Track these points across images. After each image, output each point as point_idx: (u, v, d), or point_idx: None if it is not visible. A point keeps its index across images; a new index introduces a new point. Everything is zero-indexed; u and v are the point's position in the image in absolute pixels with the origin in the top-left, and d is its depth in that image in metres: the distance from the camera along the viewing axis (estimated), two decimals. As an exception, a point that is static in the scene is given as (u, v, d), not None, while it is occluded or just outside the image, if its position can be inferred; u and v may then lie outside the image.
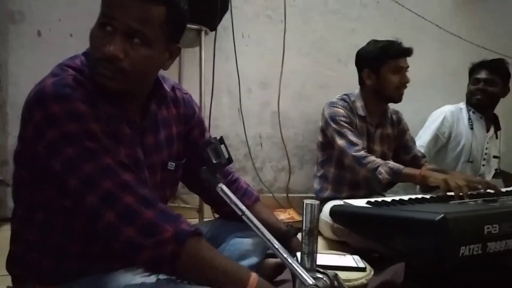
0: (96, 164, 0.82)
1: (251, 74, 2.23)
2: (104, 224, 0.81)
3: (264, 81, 2.28)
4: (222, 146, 0.86)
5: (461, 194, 1.48)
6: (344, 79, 2.35)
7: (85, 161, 0.81)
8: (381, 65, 1.88)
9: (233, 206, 0.83)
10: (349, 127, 1.86)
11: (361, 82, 1.97)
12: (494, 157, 2.23)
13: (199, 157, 0.87)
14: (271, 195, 2.30)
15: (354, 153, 1.78)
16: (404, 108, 2.05)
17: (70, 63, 0.89)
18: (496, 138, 2.38)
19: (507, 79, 2.28)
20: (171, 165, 1.06)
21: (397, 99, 1.94)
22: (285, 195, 2.36)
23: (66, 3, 1.91)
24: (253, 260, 1.12)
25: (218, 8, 1.83)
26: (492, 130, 2.37)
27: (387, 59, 1.87)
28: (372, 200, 1.44)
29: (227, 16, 2.04)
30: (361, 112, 1.93)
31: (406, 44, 1.89)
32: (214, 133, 2.24)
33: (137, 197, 0.83)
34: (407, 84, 1.90)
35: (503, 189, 1.75)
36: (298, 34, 2.30)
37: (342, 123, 1.86)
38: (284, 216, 2.10)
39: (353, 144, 1.80)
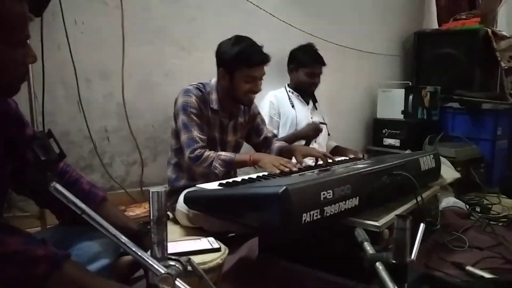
0: None
1: (89, 64, 2.04)
2: None
3: (104, 70, 2.11)
4: (51, 140, 0.78)
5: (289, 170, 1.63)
6: (189, 67, 2.35)
7: None
8: (235, 70, 1.85)
9: (71, 205, 0.76)
10: (197, 120, 1.83)
11: (218, 77, 1.95)
12: (321, 123, 2.61)
13: (20, 157, 0.78)
14: (123, 191, 2.18)
15: (189, 154, 1.77)
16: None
17: None
18: (316, 109, 2.78)
19: None
20: None
21: (246, 104, 2.00)
22: (139, 189, 2.26)
23: None
24: (104, 261, 1.07)
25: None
26: (311, 103, 2.75)
27: (242, 66, 1.84)
28: (224, 181, 1.48)
29: (54, 1, 1.84)
30: (214, 105, 1.92)
31: (244, 32, 1.92)
32: (51, 130, 2.02)
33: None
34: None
35: (337, 158, 1.99)
36: (137, 22, 2.19)
37: (192, 115, 1.83)
38: (140, 210, 2.02)
39: (193, 141, 1.79)
